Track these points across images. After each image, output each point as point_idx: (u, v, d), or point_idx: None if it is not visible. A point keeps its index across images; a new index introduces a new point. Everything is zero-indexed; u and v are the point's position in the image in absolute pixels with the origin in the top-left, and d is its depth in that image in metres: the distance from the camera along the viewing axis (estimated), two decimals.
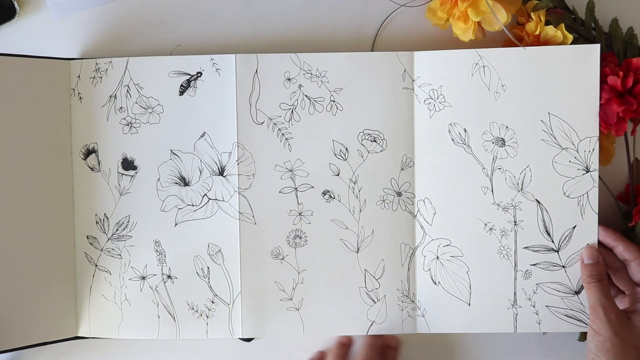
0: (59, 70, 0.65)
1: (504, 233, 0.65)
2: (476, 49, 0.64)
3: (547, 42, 0.64)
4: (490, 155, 0.65)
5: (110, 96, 0.66)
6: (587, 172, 0.63)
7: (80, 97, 0.66)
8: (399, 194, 0.66)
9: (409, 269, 0.66)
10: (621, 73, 0.62)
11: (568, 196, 0.64)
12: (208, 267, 0.66)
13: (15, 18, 0.67)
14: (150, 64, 0.66)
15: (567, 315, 0.65)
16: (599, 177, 0.64)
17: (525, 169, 0.64)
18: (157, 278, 0.66)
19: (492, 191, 0.65)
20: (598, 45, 0.63)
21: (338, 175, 0.66)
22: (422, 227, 0.66)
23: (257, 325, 0.66)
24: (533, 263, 0.65)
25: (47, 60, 0.65)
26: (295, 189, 0.66)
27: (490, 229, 0.65)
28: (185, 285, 0.66)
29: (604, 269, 0.63)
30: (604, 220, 0.65)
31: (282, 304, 0.66)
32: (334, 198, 0.66)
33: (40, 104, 0.64)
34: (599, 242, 0.64)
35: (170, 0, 0.68)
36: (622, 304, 0.64)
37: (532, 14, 0.64)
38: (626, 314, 0.61)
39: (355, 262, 0.66)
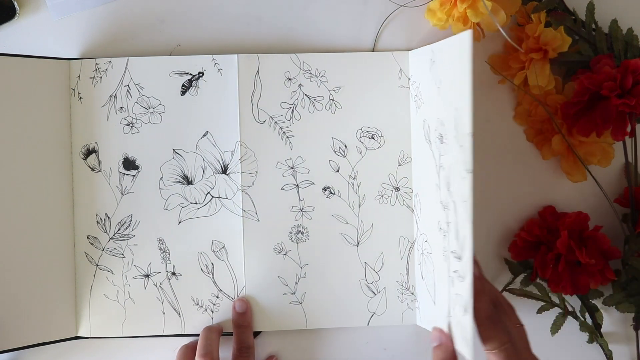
0: (59, 70, 0.65)
1: (445, 234, 0.59)
2: (430, 45, 0.61)
3: (546, 44, 0.63)
4: (438, 152, 0.61)
5: (111, 96, 0.66)
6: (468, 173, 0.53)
7: (80, 97, 0.66)
8: (397, 189, 0.67)
9: (407, 262, 0.67)
10: (619, 75, 0.61)
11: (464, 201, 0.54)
12: (212, 263, 0.67)
13: (15, 18, 0.67)
14: (150, 64, 0.66)
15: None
16: (595, 179, 0.64)
17: (449, 167, 0.58)
18: (162, 275, 0.67)
19: (440, 189, 0.61)
20: (469, 32, 0.51)
21: (338, 171, 0.67)
22: (416, 222, 0.67)
23: (262, 319, 0.67)
24: (454, 270, 0.57)
25: (47, 60, 0.65)
26: (297, 185, 0.67)
27: (440, 228, 0.61)
28: (190, 281, 0.67)
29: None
30: (602, 224, 0.61)
31: (285, 298, 0.67)
32: (334, 194, 0.67)
33: (40, 104, 0.64)
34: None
35: (170, 0, 0.68)
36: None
37: (532, 16, 0.64)
38: None
39: (355, 256, 0.67)
